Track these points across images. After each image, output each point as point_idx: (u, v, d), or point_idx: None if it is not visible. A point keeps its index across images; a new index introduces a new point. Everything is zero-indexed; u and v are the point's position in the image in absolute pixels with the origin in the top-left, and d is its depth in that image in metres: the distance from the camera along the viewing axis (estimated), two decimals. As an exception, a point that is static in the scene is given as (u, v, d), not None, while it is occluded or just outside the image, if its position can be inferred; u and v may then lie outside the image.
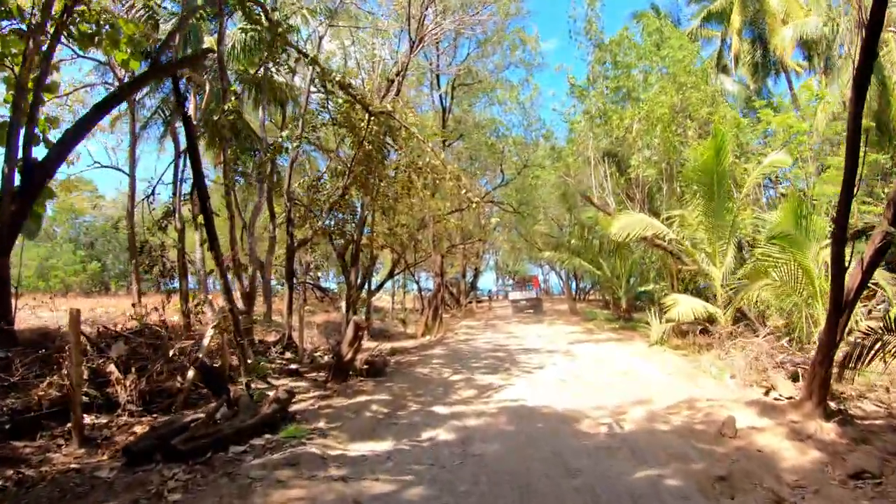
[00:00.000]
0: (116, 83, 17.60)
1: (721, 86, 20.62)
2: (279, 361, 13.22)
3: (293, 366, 12.76)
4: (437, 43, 21.91)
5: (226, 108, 9.22)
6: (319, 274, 33.08)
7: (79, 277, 36.95)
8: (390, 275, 28.27)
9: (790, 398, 7.66)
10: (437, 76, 24.01)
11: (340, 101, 10.74)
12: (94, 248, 38.52)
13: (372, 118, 10.03)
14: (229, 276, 10.21)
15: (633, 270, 22.32)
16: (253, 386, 8.12)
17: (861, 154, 5.33)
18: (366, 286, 28.58)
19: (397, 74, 16.59)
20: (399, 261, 25.71)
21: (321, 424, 6.86)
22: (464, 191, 9.26)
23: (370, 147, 10.07)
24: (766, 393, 8.05)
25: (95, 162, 22.08)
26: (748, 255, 13.59)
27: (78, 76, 30.76)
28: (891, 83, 16.36)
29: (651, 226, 12.76)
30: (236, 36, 15.41)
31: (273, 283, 38.63)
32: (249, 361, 8.60)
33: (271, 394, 7.33)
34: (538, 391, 8.50)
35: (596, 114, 16.24)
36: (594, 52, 17.06)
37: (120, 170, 24.15)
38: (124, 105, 18.52)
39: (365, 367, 10.25)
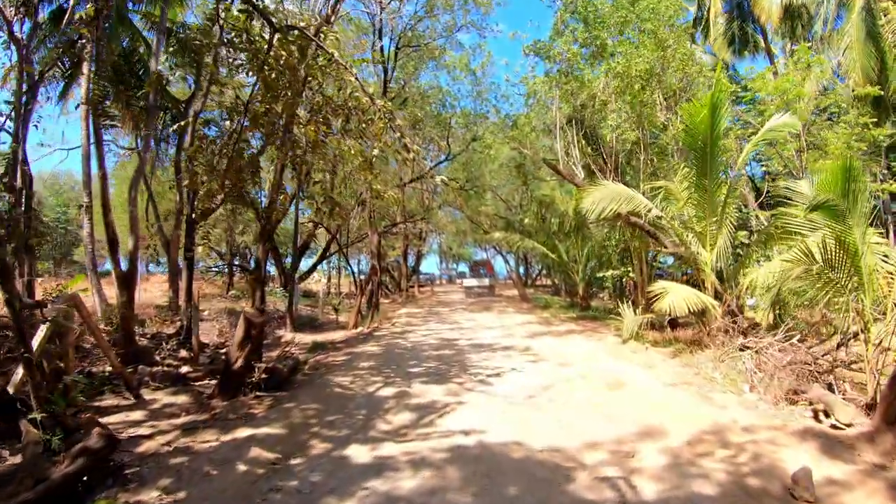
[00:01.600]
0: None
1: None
2: (170, 362, 10.37)
3: (184, 369, 9.89)
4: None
5: None
6: (249, 254, 29.58)
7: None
8: (323, 256, 25.33)
9: (849, 425, 5.52)
10: (380, 30, 21.02)
11: (236, 11, 7.80)
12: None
13: (276, 36, 7.17)
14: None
15: (591, 254, 20.30)
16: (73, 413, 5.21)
17: None
18: (297, 269, 25.64)
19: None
20: (333, 240, 22.84)
21: (156, 492, 4.13)
22: (397, 134, 6.56)
23: (272, 74, 7.20)
24: (816, 417, 5.86)
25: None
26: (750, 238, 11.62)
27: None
28: (890, 57, 14.82)
29: (631, 199, 10.47)
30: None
31: (201, 264, 34.85)
32: (64, 384, 5.64)
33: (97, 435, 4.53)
34: (500, 415, 5.99)
35: (562, 69, 13.80)
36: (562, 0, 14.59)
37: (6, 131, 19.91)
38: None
39: (263, 377, 7.49)
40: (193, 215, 12.53)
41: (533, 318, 17.84)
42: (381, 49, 20.09)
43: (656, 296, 9.20)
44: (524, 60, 16.59)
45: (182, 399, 7.56)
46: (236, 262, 28.64)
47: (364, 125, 7.21)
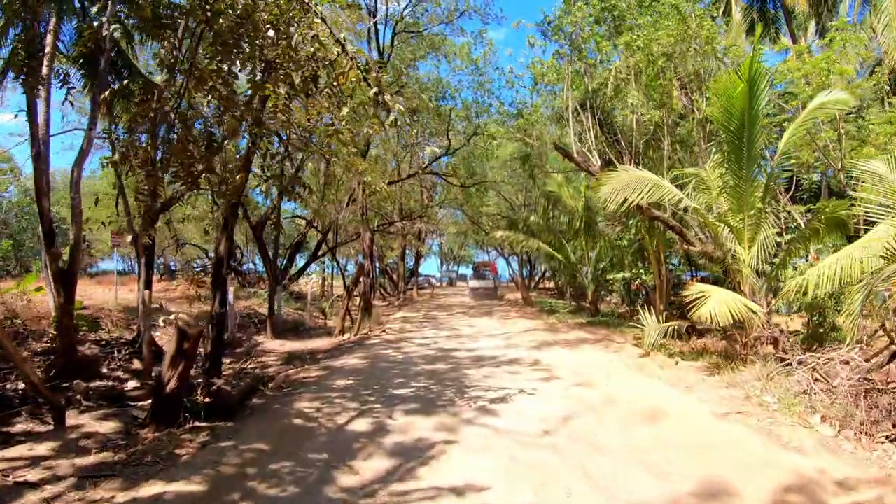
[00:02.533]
0: None
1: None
2: (119, 374, 8.91)
3: (130, 384, 8.41)
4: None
5: None
6: (241, 254, 28.06)
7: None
8: (314, 256, 23.81)
9: None
10: (374, 10, 19.49)
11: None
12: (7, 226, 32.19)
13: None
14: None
15: (602, 255, 18.76)
16: None
17: None
18: (289, 269, 24.13)
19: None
20: (323, 239, 21.32)
21: None
22: (374, 90, 5.01)
23: (220, 22, 5.67)
24: (939, 470, 4.32)
25: None
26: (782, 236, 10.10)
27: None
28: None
29: (657, 187, 8.91)
30: None
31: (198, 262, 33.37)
32: None
33: None
34: (508, 463, 4.42)
35: (575, 43, 12.24)
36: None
37: None
38: None
39: (207, 400, 5.96)
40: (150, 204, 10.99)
41: (538, 325, 16.29)
42: (375, 29, 18.61)
43: (693, 301, 7.64)
44: (529, 52, 15.10)
45: (109, 426, 6.03)
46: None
47: (334, 82, 5.67)
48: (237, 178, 7.12)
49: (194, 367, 9.24)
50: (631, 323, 12.07)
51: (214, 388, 6.30)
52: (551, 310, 21.30)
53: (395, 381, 7.51)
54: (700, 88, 11.81)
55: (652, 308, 14.78)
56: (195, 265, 32.33)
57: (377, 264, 42.39)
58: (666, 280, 14.25)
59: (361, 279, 16.04)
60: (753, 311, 7.83)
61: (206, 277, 27.91)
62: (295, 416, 5.89)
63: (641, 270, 20.64)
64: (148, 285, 10.58)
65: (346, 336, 12.81)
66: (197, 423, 5.84)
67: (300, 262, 27.02)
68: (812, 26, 18.84)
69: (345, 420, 5.66)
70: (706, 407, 6.18)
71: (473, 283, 33.58)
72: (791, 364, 7.65)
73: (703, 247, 10.91)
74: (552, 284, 38.56)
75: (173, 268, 37.09)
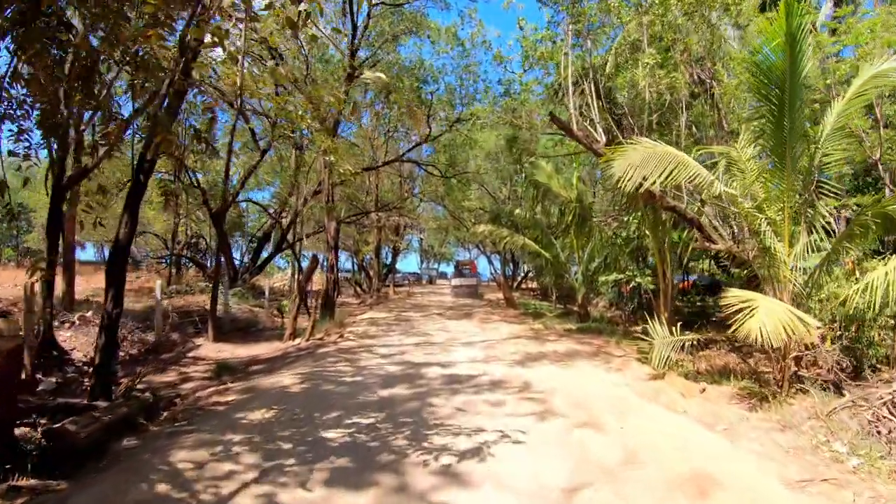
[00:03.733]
0: None
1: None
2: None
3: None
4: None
5: None
6: (206, 245, 25.65)
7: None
8: (277, 249, 21.72)
9: None
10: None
11: None
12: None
13: None
14: None
15: (594, 253, 16.95)
16: None
17: None
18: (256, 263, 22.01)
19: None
20: (287, 231, 19.24)
21: None
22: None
23: None
24: None
25: None
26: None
27: None
28: None
29: (683, 165, 7.02)
30: None
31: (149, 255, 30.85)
32: None
33: None
34: None
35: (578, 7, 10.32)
36: None
37: None
38: None
39: (44, 443, 3.94)
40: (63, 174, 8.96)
41: (523, 331, 14.38)
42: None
43: (735, 312, 5.75)
44: (518, 34, 13.25)
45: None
46: (186, 254, 24.79)
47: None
48: (112, 128, 5.06)
49: (82, 381, 7.18)
50: (634, 333, 10.23)
51: (57, 426, 4.27)
52: (536, 313, 19.43)
53: (332, 414, 5.48)
54: (721, 59, 10.03)
55: (655, 315, 13.04)
56: (160, 256, 29.95)
57: (353, 259, 40.37)
58: (671, 283, 12.45)
59: (326, 275, 14.05)
60: (807, 326, 5.98)
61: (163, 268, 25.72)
62: (164, 477, 3.86)
63: (635, 272, 18.87)
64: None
65: (297, 341, 10.76)
66: (19, 482, 3.84)
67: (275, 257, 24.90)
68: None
69: (232, 489, 3.65)
70: (771, 468, 4.28)
71: (455, 282, 33.89)
72: (845, 392, 5.92)
73: (726, 245, 9.09)
74: (535, 284, 36.71)
75: (139, 258, 34.70)
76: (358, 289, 30.61)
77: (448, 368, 8.24)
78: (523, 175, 18.89)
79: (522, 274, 34.63)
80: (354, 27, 17.07)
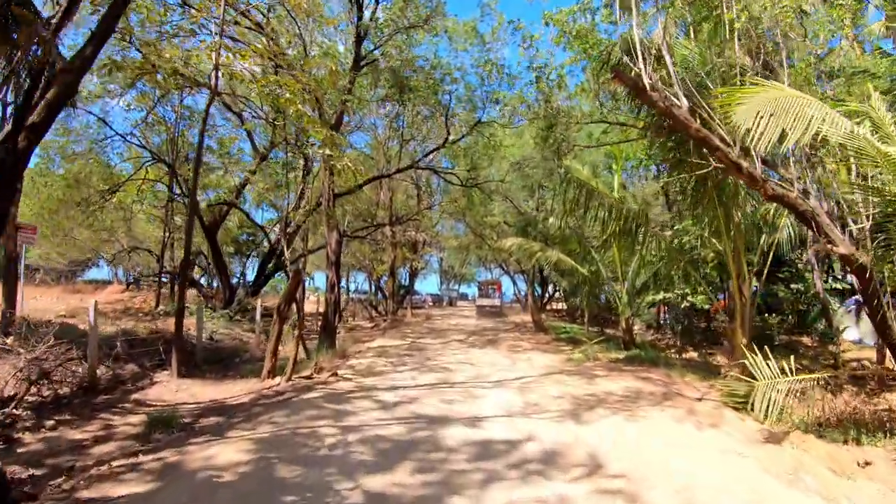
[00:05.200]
0: None
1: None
2: None
3: None
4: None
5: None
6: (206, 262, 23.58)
7: None
8: (262, 267, 19.51)
9: None
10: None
11: None
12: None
13: None
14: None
15: (641, 268, 14.45)
16: None
17: None
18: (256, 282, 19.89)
19: None
20: (279, 244, 16.99)
21: None
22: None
23: None
24: None
25: None
26: None
27: None
28: None
29: (832, 120, 4.59)
30: None
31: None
32: None
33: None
34: None
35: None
36: None
37: None
38: None
39: None
40: None
41: (561, 362, 11.89)
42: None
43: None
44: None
45: None
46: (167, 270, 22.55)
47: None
48: None
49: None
50: (690, 360, 7.74)
51: None
52: (571, 338, 16.86)
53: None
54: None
55: (730, 341, 10.47)
56: (155, 274, 27.95)
57: (369, 279, 38.06)
58: (749, 301, 9.90)
59: (326, 297, 11.77)
60: None
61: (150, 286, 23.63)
62: None
63: (686, 289, 16.43)
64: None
65: (277, 381, 8.37)
66: None
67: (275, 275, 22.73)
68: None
69: None
70: None
71: (480, 302, 35.58)
72: None
73: (849, 249, 6.54)
74: (561, 305, 33.94)
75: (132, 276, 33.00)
76: (373, 311, 28.19)
77: (476, 428, 5.76)
78: (557, 178, 16.37)
79: (548, 294, 31.94)
80: (360, 7, 14.94)
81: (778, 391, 6.07)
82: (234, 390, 8.13)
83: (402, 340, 16.32)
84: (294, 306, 9.25)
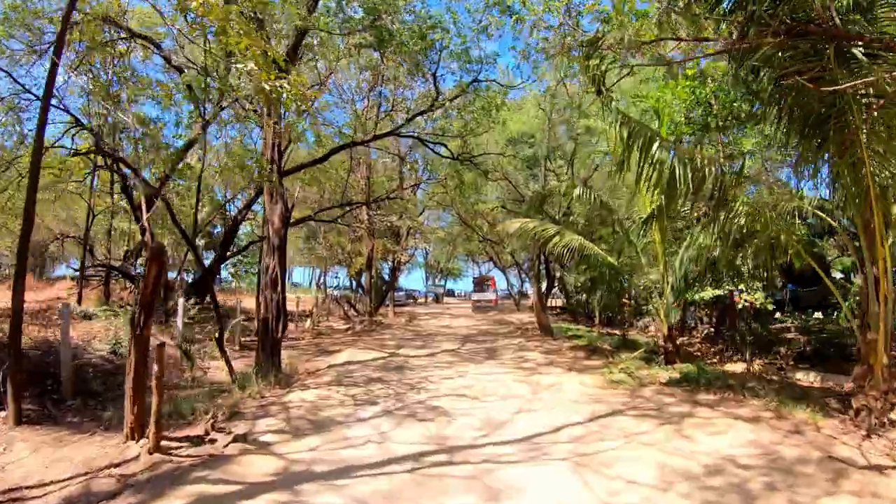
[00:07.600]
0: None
1: None
2: None
3: None
4: None
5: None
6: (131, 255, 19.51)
7: None
8: (222, 256, 15.77)
9: None
10: None
11: None
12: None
13: None
14: None
15: (686, 260, 10.90)
16: None
17: None
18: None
19: None
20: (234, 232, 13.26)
21: None
22: None
23: None
24: None
25: None
26: None
27: None
28: None
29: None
30: None
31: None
32: None
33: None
34: None
35: None
36: None
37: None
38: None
39: None
40: None
41: (604, 390, 8.38)
42: None
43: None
44: None
45: None
46: (115, 265, 18.62)
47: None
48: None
49: None
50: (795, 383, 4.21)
51: None
52: (591, 346, 13.38)
53: None
54: None
55: (866, 360, 7.03)
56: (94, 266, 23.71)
57: (332, 273, 34.26)
58: (893, 299, 6.49)
59: (266, 296, 8.13)
60: None
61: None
62: None
63: (740, 285, 13.33)
64: None
65: (142, 443, 4.70)
66: None
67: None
68: None
69: None
70: None
71: (476, 297, 36.39)
72: None
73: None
74: (558, 302, 30.33)
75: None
76: (350, 310, 24.29)
77: None
78: (578, 142, 12.60)
79: (550, 290, 28.33)
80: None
81: None
82: (74, 460, 4.47)
83: (378, 351, 12.66)
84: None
